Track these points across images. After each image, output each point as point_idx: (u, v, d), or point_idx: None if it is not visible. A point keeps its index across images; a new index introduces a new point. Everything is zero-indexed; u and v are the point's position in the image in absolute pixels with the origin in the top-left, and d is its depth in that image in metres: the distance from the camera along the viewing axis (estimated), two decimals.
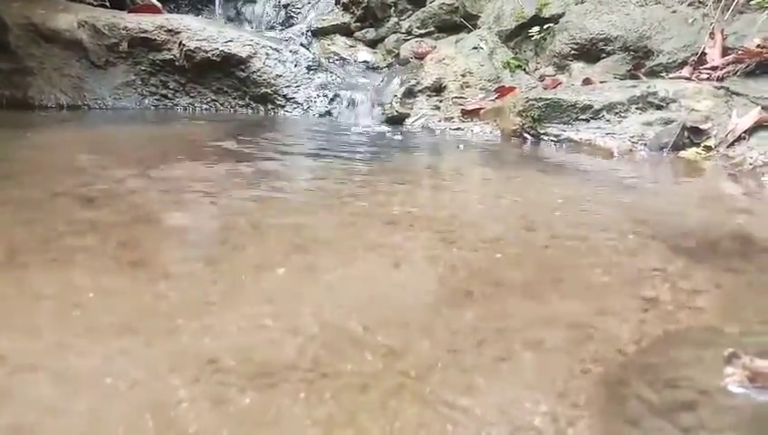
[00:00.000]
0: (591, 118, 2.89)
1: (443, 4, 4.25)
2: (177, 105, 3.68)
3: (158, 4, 4.21)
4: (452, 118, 3.41)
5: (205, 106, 3.72)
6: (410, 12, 4.37)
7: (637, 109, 2.84)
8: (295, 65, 3.82)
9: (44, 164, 2.10)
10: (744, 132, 2.51)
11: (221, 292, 1.09)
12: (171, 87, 3.67)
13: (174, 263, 1.22)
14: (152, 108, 3.62)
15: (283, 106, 3.72)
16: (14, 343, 0.89)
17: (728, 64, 3.04)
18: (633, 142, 2.73)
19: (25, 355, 0.86)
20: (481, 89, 3.56)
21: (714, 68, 3.10)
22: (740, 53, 3.01)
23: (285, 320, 0.99)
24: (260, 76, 3.70)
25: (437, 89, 3.58)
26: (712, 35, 3.28)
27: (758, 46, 2.91)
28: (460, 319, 1.02)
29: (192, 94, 3.71)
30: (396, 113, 3.49)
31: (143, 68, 3.62)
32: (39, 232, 1.37)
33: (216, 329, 0.95)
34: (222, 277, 1.16)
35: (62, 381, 0.81)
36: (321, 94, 3.76)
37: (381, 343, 0.93)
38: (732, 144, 2.53)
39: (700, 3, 3.52)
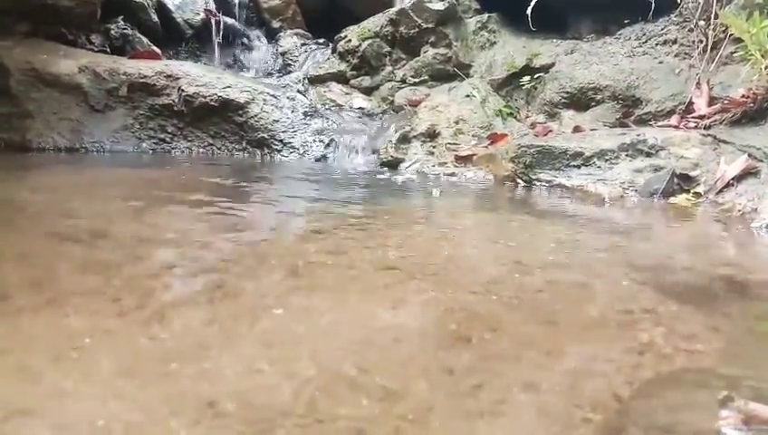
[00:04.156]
0: (582, 164, 2.95)
1: (436, 54, 4.36)
2: (174, 149, 3.73)
3: (158, 51, 4.31)
4: (446, 163, 3.46)
5: (202, 150, 3.77)
6: (404, 61, 4.49)
7: (627, 156, 2.90)
8: (292, 111, 3.90)
9: (41, 206, 2.12)
10: (733, 179, 2.56)
11: (218, 334, 1.09)
12: (169, 131, 3.73)
13: (170, 306, 1.22)
14: (150, 151, 3.65)
15: (279, 150, 3.77)
16: (10, 388, 0.89)
17: (715, 113, 3.13)
18: (624, 188, 2.78)
19: (21, 400, 0.86)
20: (474, 135, 3.63)
21: (701, 117, 3.19)
22: (726, 102, 3.10)
23: (282, 363, 0.99)
24: (257, 121, 3.76)
25: (431, 135, 3.65)
26: (698, 85, 3.38)
27: (742, 96, 3.00)
28: (457, 361, 1.02)
29: (189, 138, 3.77)
30: (391, 158, 3.54)
31: (142, 112, 3.68)
32: (35, 274, 1.37)
33: (214, 372, 0.95)
34: (219, 319, 1.16)
35: (60, 425, 0.80)
36: (317, 139, 3.82)
37: (379, 385, 0.93)
38: (721, 191, 2.58)
39: (686, 54, 3.64)
